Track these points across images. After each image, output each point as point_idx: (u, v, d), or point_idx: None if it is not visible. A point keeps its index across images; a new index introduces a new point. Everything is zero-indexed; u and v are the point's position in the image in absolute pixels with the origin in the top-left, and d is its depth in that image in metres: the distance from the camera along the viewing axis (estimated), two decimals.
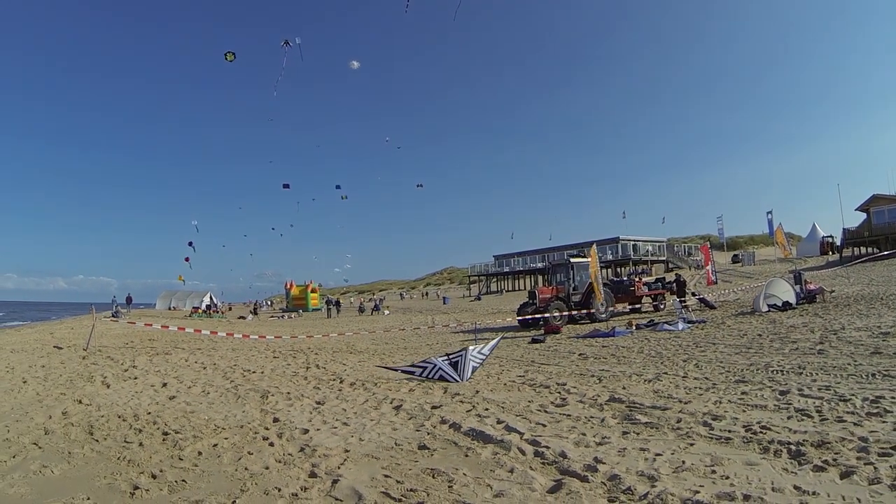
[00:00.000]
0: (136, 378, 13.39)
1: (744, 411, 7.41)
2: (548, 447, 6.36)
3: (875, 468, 4.92)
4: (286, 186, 47.81)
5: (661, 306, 29.08)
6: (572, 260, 28.78)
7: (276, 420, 8.68)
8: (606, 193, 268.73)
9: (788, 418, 6.84)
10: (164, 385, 12.25)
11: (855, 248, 46.22)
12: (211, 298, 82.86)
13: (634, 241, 70.44)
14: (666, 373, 11.09)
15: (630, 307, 29.39)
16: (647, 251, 69.97)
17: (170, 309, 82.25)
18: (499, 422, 7.85)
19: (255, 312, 66.29)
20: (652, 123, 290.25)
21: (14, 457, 6.97)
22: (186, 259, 62.00)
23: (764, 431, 6.29)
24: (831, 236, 53.53)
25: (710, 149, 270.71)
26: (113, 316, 51.10)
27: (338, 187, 46.97)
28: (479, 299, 68.97)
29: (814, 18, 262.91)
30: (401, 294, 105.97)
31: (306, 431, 7.82)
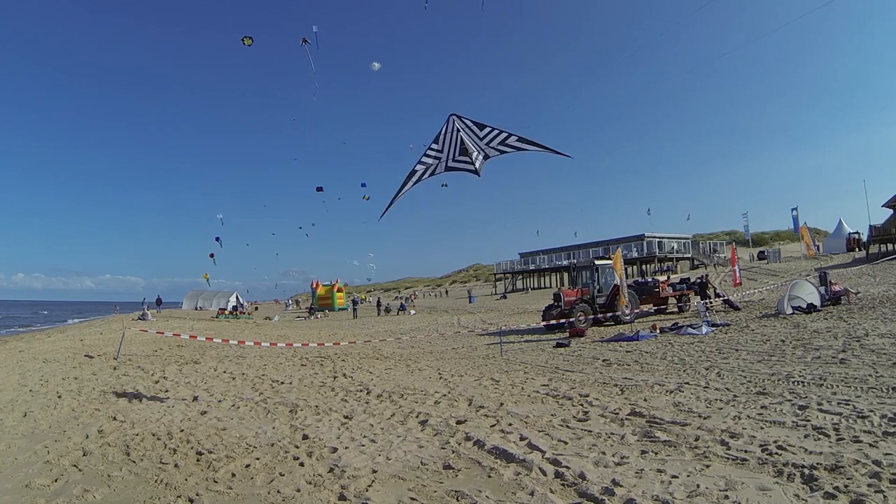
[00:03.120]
0: (167, 390, 13.63)
1: (762, 428, 7.54)
2: (568, 467, 6.54)
3: (885, 497, 5.04)
4: (319, 189, 47.76)
5: (686, 307, 29.04)
6: (597, 262, 28.67)
7: (305, 437, 8.85)
8: (631, 190, 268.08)
9: (805, 437, 6.96)
10: (195, 399, 12.46)
11: (882, 245, 45.70)
12: (237, 299, 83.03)
13: (659, 238, 70.08)
14: (688, 383, 11.20)
15: (655, 308, 29.39)
16: (672, 248, 69.60)
17: (196, 309, 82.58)
18: (522, 438, 8.03)
19: (311, 313, 66.06)
20: (677, 121, 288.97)
21: (56, 481, 7.16)
22: (211, 255, 62.27)
23: (780, 452, 6.41)
24: (857, 232, 52.74)
25: (735, 145, 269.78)
26: (141, 317, 51.57)
27: (363, 185, 46.92)
28: (505, 297, 68.91)
29: (842, 13, 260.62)
30: (423, 294, 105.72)
31: (335, 450, 7.99)
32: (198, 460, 7.81)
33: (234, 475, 7.06)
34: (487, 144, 12.05)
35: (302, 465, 7.39)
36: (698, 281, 29.16)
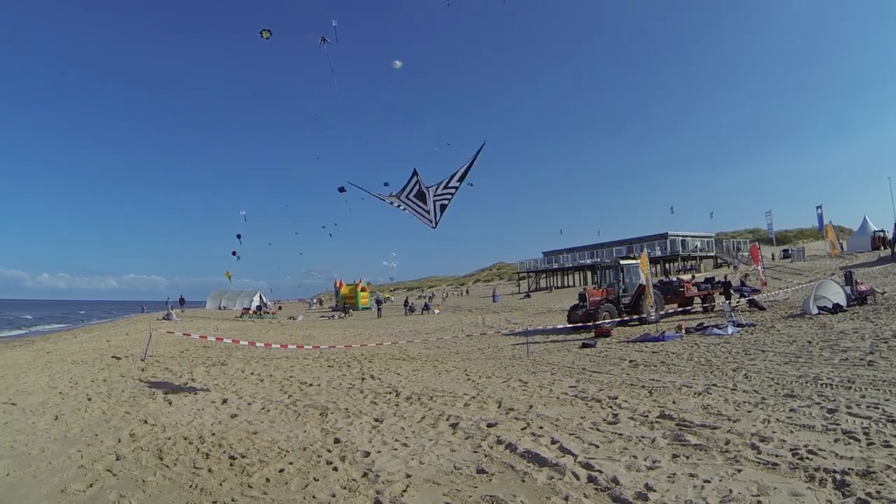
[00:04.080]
0: (195, 393, 13.73)
1: (791, 432, 7.54)
2: (601, 471, 6.56)
3: None
4: (342, 190, 47.77)
5: (712, 307, 28.89)
6: (622, 261, 28.67)
7: (336, 441, 8.88)
8: (654, 188, 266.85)
9: (835, 441, 6.95)
10: (225, 401, 12.53)
11: None
12: (261, 298, 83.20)
13: (683, 236, 69.69)
14: (715, 384, 11.20)
15: (680, 308, 29.30)
16: (696, 247, 69.17)
17: (220, 309, 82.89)
18: (553, 441, 8.06)
19: (344, 312, 66.49)
20: (700, 119, 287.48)
21: (91, 486, 7.20)
22: (233, 253, 62.36)
23: (811, 457, 6.41)
24: (883, 230, 52.15)
25: (758, 142, 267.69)
26: (165, 317, 51.90)
27: (386, 185, 46.82)
28: (529, 296, 68.74)
29: (867, 7, 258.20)
30: (444, 293, 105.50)
31: (367, 454, 8.03)
32: (231, 465, 7.86)
33: (268, 480, 7.11)
34: (436, 195, 13.20)
35: (336, 469, 7.43)
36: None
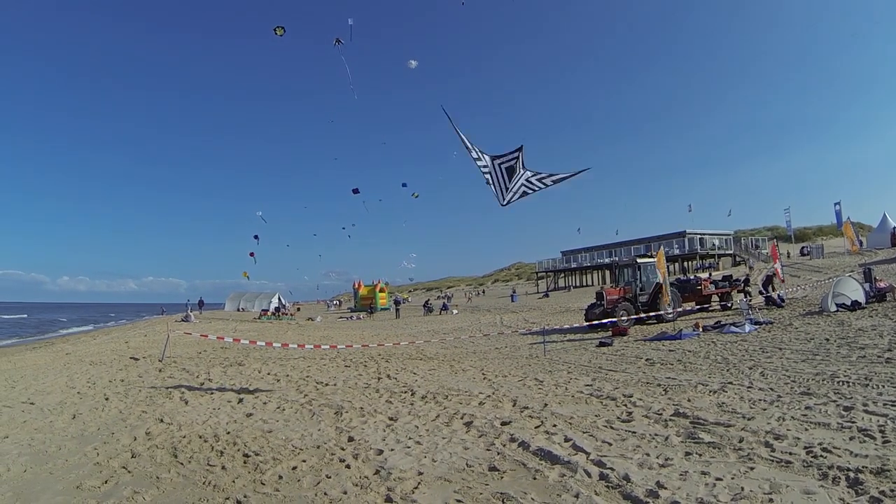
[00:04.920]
0: (212, 392, 13.75)
1: (806, 430, 7.50)
2: (612, 469, 6.54)
3: None
4: (356, 191, 47.88)
5: (729, 305, 28.77)
6: (639, 260, 28.60)
7: (350, 439, 8.89)
8: (672, 187, 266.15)
9: (850, 439, 6.91)
10: (241, 401, 12.54)
11: None
12: (279, 300, 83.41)
13: (701, 234, 69.44)
14: (731, 382, 11.17)
15: (697, 306, 29.17)
16: (714, 245, 68.89)
17: (239, 310, 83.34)
18: (566, 439, 8.04)
19: (368, 313, 66.82)
20: (718, 116, 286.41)
21: (105, 482, 7.23)
22: (251, 254, 62.55)
23: (825, 455, 6.36)
24: None
25: (776, 139, 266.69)
26: (184, 319, 52.15)
27: (404, 185, 46.85)
28: (548, 296, 68.55)
29: (886, 3, 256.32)
30: (465, 293, 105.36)
31: (381, 452, 8.03)
32: (245, 462, 7.88)
33: (280, 477, 7.11)
34: (527, 180, 13.38)
35: (348, 467, 7.43)
36: (744, 279, 28.99)
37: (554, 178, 13.21)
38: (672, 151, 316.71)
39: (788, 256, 58.55)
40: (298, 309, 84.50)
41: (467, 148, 14.05)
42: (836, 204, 48.23)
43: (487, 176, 13.72)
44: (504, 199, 13.57)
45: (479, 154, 13.87)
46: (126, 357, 22.11)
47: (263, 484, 6.92)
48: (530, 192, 13.41)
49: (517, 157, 13.33)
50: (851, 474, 5.73)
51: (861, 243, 47.62)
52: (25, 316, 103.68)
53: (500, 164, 13.52)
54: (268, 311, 68.24)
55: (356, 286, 79.55)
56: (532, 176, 13.26)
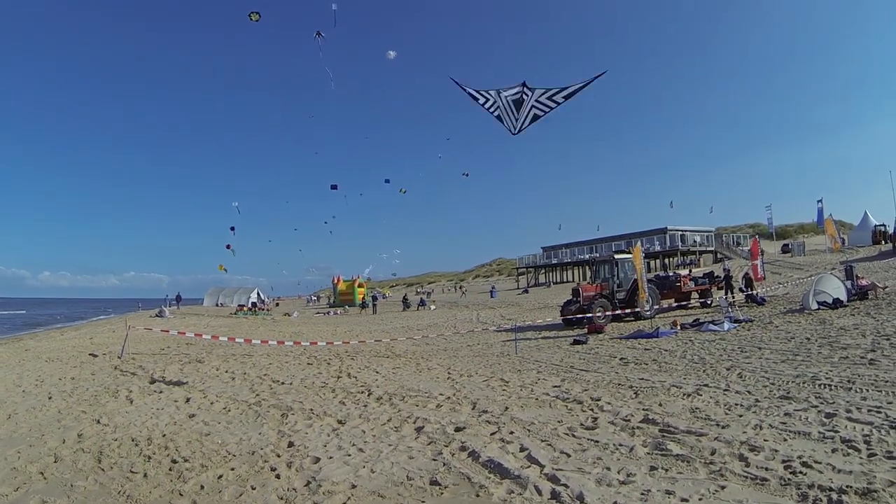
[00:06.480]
0: (161, 392, 13.23)
1: (785, 440, 6.86)
2: (566, 486, 5.90)
3: None
4: (334, 188, 47.50)
5: (709, 302, 28.31)
6: (616, 256, 28.18)
7: (290, 444, 8.37)
8: (654, 184, 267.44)
9: (833, 451, 6.27)
10: (188, 400, 12.06)
11: None
12: (258, 295, 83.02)
13: (682, 231, 69.48)
14: (707, 385, 10.56)
15: (676, 303, 28.68)
16: (695, 241, 69.01)
17: (217, 305, 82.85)
18: (521, 449, 7.41)
19: (361, 308, 65.87)
20: (700, 115, 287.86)
21: (17, 490, 6.84)
22: (228, 246, 62.07)
23: (804, 471, 5.72)
24: (884, 225, 51.67)
25: (758, 137, 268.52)
26: (158, 314, 51.63)
27: (387, 181, 46.75)
28: (527, 292, 68.38)
29: (874, 3, 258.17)
30: (442, 288, 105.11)
31: (317, 460, 7.47)
32: (170, 469, 7.42)
33: (202, 487, 6.63)
34: (537, 100, 13.15)
35: (278, 476, 6.90)
36: (724, 275, 28.65)
37: (565, 92, 12.86)
38: (654, 148, 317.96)
39: (784, 252, 58.60)
40: (277, 304, 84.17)
41: (475, 98, 13.98)
42: (818, 201, 48.27)
43: (495, 111, 13.65)
44: (515, 128, 13.47)
45: (486, 96, 13.78)
46: (85, 354, 21.78)
47: (181, 495, 6.45)
48: (542, 113, 13.21)
49: (520, 91, 13.15)
50: (834, 495, 5.06)
51: (843, 241, 47.50)
52: (24, 312, 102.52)
53: (506, 97, 13.39)
54: (245, 306, 67.75)
55: (335, 281, 79.27)
56: (542, 95, 13.00)
